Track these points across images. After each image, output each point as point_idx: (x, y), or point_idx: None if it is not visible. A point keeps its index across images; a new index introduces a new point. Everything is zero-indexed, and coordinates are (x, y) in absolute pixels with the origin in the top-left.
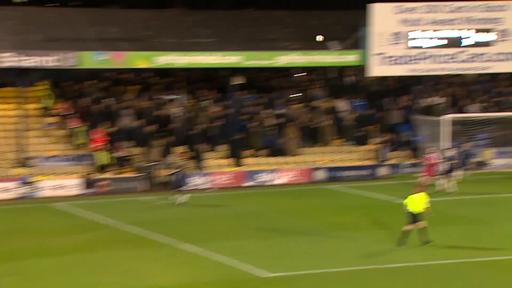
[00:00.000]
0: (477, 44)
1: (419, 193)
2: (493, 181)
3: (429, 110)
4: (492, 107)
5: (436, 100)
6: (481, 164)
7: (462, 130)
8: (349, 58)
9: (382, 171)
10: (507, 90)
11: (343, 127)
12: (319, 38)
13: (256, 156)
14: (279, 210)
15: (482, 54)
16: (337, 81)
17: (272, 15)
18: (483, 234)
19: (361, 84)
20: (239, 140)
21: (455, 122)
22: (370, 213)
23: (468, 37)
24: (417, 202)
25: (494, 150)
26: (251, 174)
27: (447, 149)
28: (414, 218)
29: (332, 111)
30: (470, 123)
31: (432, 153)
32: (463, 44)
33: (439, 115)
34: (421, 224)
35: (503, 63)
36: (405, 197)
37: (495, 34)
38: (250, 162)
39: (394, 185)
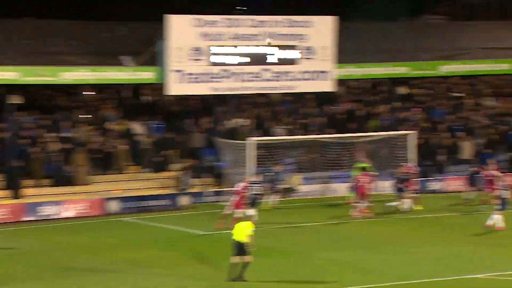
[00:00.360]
0: (282, 62)
1: (245, 222)
2: (301, 209)
3: (233, 133)
4: (298, 130)
5: (240, 122)
6: (289, 191)
7: (268, 154)
8: (145, 75)
9: (184, 200)
10: (313, 111)
11: (140, 152)
12: (269, 40)
13: (39, 186)
14: (65, 247)
15: (287, 73)
16: (132, 101)
17: (56, 25)
18: (293, 266)
19: (159, 104)
20: (17, 168)
21: (260, 146)
22: (170, 247)
23: (273, 54)
24: (241, 230)
25: (301, 175)
26: (32, 207)
27: (254, 175)
28: (239, 247)
29: (126, 134)
30: (276, 146)
31: (242, 182)
32: (267, 62)
33: (243, 138)
34: (247, 258)
35: (308, 82)
36: (209, 228)
37: (300, 52)
38: (31, 193)
39: (196, 215)
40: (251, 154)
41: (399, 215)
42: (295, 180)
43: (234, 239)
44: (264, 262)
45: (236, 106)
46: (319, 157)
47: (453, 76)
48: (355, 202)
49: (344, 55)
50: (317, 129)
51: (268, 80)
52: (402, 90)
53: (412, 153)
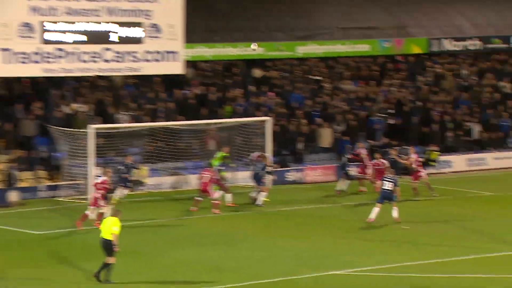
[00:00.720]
0: (124, 41)
1: (112, 217)
2: (150, 203)
3: (71, 120)
4: (144, 116)
5: (79, 107)
6: (136, 184)
7: (110, 144)
8: None
9: (13, 196)
10: (160, 95)
11: None
12: (254, 46)
13: None
14: None
15: (130, 53)
16: None
17: None
18: (141, 267)
19: None
20: None
21: (101, 134)
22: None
23: (115, 33)
24: (107, 227)
25: (148, 167)
26: None
27: (98, 167)
28: (105, 246)
29: None
30: (119, 135)
31: (103, 174)
32: (109, 40)
33: (82, 126)
34: (110, 259)
35: (154, 63)
36: (43, 227)
37: (143, 30)
38: None
39: (29, 212)
40: (91, 144)
41: (257, 209)
42: (142, 172)
43: (101, 237)
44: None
45: (73, 89)
46: (168, 146)
47: (311, 58)
48: (198, 197)
49: (194, 34)
50: (166, 116)
51: (109, 61)
52: (257, 72)
53: (268, 141)
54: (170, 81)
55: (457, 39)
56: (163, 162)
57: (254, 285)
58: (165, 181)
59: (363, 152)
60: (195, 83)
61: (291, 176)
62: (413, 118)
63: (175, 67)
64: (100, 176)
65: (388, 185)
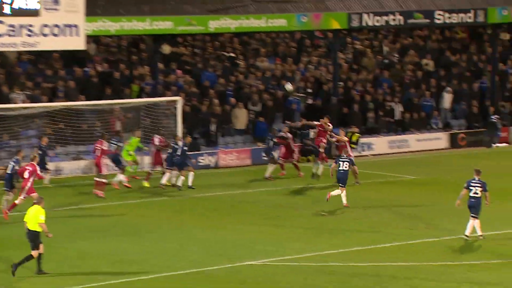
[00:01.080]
0: (18, 13)
1: (36, 205)
2: (48, 190)
3: None
4: (42, 96)
5: None
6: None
7: (4, 127)
8: None
9: None
10: (60, 73)
11: None
12: (288, 86)
13: None
14: None
15: (25, 26)
16: None
17: None
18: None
19: None
20: None
21: None
22: None
23: (8, 4)
24: (32, 216)
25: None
26: None
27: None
28: (31, 237)
29: None
30: (14, 116)
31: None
32: (1, 12)
33: None
34: (39, 251)
35: (53, 38)
36: None
37: (39, 1)
38: None
39: None
40: None
41: (167, 196)
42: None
43: (26, 228)
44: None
45: None
46: (70, 128)
47: (224, 33)
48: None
49: (96, 7)
50: (66, 95)
51: (2, 35)
52: (166, 49)
53: (179, 123)
54: (70, 57)
55: (378, 14)
56: (64, 146)
57: (162, 277)
58: (65, 166)
59: (289, 135)
60: (98, 59)
61: (204, 160)
62: (332, 98)
63: (76, 42)
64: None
65: (344, 165)
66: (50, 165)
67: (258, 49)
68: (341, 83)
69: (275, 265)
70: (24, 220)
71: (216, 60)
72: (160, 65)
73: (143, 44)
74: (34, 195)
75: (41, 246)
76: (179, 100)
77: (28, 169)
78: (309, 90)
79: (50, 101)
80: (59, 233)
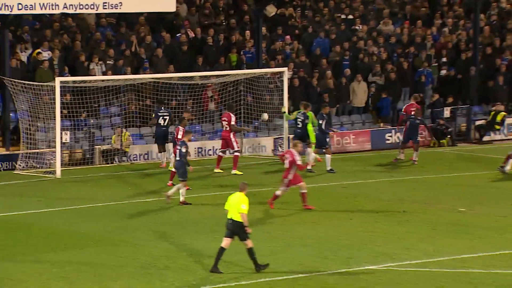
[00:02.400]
0: None
1: (238, 193)
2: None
3: (31, 71)
4: (124, 66)
5: (41, 54)
6: (117, 154)
7: (79, 102)
8: None
9: None
10: (146, 40)
11: None
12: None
13: None
14: None
15: None
16: None
17: None
18: None
19: None
20: None
21: (69, 89)
22: None
23: None
24: (234, 204)
25: (129, 132)
26: None
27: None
28: (234, 228)
29: None
30: (93, 90)
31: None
32: None
33: (45, 79)
34: (249, 243)
35: None
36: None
37: None
38: None
39: None
40: (57, 102)
41: (270, 187)
42: (124, 139)
43: (228, 218)
44: None
45: (33, 31)
46: (157, 105)
47: None
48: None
49: None
50: (152, 66)
51: None
52: (270, 10)
53: (285, 98)
54: (157, 21)
55: None
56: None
57: (263, 283)
58: (155, 150)
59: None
60: (189, 24)
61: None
62: (471, 69)
63: (165, 4)
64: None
65: None
66: (136, 149)
67: (381, 9)
68: (482, 50)
69: (401, 271)
70: (225, 208)
71: (330, 23)
72: (264, 30)
73: (243, 4)
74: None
75: (248, 240)
76: (285, 71)
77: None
78: (443, 59)
79: (135, 73)
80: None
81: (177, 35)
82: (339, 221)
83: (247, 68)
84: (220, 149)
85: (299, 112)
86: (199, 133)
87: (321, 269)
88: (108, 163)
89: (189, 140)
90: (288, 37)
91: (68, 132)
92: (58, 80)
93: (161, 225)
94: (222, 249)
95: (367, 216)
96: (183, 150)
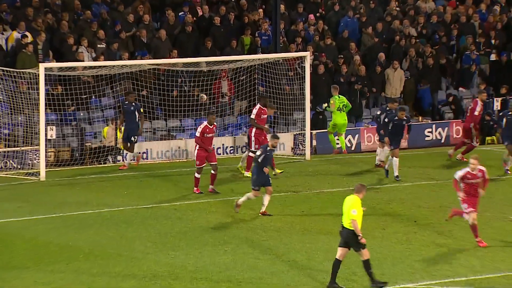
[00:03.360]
0: None
1: (352, 196)
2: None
3: (11, 56)
4: (118, 50)
5: (23, 37)
6: (109, 151)
7: (69, 93)
8: None
9: None
10: (145, 20)
11: None
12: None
13: None
14: None
15: None
16: None
17: None
18: None
19: None
20: None
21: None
22: None
23: None
24: (347, 209)
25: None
26: None
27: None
28: (347, 237)
29: None
30: (82, 80)
31: None
32: None
33: (28, 65)
34: (364, 254)
35: None
36: None
37: None
38: None
39: None
40: (42, 91)
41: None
42: (106, 133)
43: (342, 225)
44: None
45: (13, 10)
46: (156, 95)
47: None
48: None
49: None
50: (153, 50)
51: None
52: None
53: (307, 88)
54: None
55: None
56: (150, 120)
57: None
58: (154, 148)
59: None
60: (196, 1)
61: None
62: None
63: None
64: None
65: None
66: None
67: None
68: None
69: None
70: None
71: (359, 0)
72: (282, 8)
73: None
74: None
75: (364, 251)
76: (307, 56)
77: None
78: (493, 42)
79: (132, 58)
80: None
81: (180, 14)
82: (369, 231)
83: (263, 53)
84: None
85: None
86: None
87: None
88: (100, 163)
89: (273, 146)
90: (311, 16)
91: (54, 128)
92: (42, 66)
93: (162, 235)
94: (337, 261)
95: (402, 226)
96: (258, 153)
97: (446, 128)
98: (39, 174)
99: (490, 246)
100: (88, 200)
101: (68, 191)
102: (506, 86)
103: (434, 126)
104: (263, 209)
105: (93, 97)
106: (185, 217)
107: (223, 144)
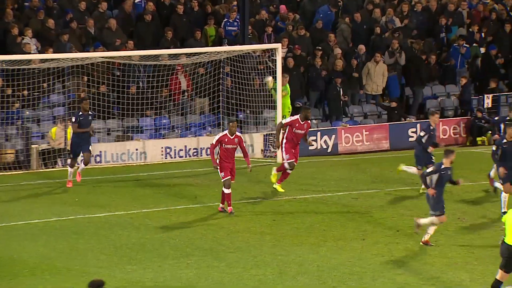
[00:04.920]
0: None
1: None
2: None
3: None
4: (72, 43)
5: None
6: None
7: (15, 89)
8: None
9: None
10: (98, 8)
11: None
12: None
13: None
14: None
15: None
16: None
17: None
18: None
19: None
20: None
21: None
22: None
23: None
24: (509, 225)
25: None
26: None
27: None
28: (507, 255)
29: None
30: (28, 74)
31: None
32: None
33: None
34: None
35: None
36: None
37: None
38: None
39: None
40: None
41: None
42: (55, 134)
43: (504, 242)
44: None
45: None
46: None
47: None
48: None
49: None
50: (105, 41)
51: None
52: None
53: (279, 84)
54: None
55: None
56: (104, 119)
57: None
58: (108, 150)
59: None
60: None
61: (316, 142)
62: None
63: None
64: None
65: None
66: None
67: None
68: None
69: None
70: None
71: None
72: None
73: None
74: None
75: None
76: (278, 48)
77: None
78: (482, 35)
79: (83, 50)
80: None
81: (137, 1)
82: (347, 241)
83: (229, 45)
84: None
85: None
86: (167, 128)
87: None
88: (48, 167)
89: (451, 162)
90: (283, 7)
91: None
92: None
93: (117, 247)
94: (497, 282)
95: (383, 236)
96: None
97: None
98: None
99: (480, 258)
100: (34, 208)
101: (11, 198)
102: (495, 80)
103: (418, 125)
104: (426, 237)
105: (40, 93)
106: (142, 226)
107: (185, 146)
